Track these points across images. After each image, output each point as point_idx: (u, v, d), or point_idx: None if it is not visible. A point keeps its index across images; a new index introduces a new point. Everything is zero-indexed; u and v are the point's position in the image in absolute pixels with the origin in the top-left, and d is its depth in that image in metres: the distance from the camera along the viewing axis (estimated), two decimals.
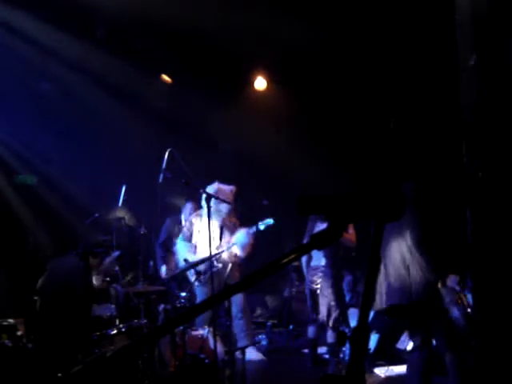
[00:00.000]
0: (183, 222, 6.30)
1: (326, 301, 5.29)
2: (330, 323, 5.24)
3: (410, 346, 5.11)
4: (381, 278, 3.84)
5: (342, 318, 5.27)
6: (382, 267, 3.84)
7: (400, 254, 3.72)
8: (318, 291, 5.38)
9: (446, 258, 3.73)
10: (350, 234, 5.32)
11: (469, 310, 3.95)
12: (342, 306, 5.29)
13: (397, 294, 3.70)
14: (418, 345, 3.88)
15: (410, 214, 3.74)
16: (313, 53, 6.66)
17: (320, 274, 5.39)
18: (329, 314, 5.25)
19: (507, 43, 2.79)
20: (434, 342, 3.89)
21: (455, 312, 3.86)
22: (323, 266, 5.38)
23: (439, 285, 3.77)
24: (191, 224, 5.56)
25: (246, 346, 4.53)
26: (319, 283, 5.38)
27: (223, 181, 5.56)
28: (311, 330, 5.58)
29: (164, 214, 6.61)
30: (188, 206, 6.43)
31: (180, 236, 5.57)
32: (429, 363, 3.81)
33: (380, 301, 3.81)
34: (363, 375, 0.96)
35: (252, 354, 5.42)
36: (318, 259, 5.42)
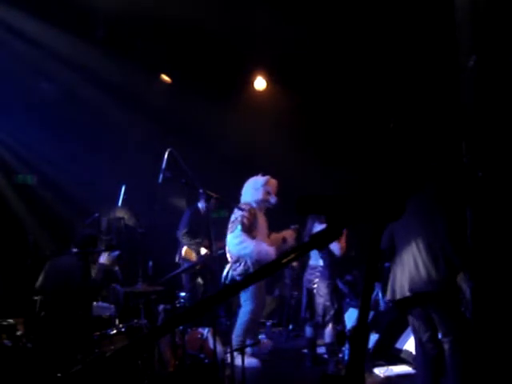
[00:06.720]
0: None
1: (321, 300, 5.31)
2: (325, 323, 5.28)
3: (410, 344, 5.12)
4: (400, 272, 3.90)
5: (337, 319, 5.29)
6: (400, 261, 3.91)
7: (425, 249, 3.79)
8: (315, 291, 5.40)
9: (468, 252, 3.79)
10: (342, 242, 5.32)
11: None
12: (337, 306, 5.30)
13: (422, 283, 3.76)
14: (425, 341, 3.90)
15: (434, 211, 3.86)
16: (313, 53, 6.66)
17: (317, 274, 5.40)
18: (324, 314, 5.28)
19: (507, 43, 2.79)
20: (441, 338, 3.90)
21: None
22: (321, 266, 5.39)
23: (459, 278, 3.86)
24: (253, 215, 5.42)
25: (246, 346, 4.53)
26: (316, 283, 5.39)
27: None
28: (309, 330, 5.59)
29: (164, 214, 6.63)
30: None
31: (239, 227, 5.34)
32: (438, 362, 3.84)
33: (400, 292, 3.87)
34: (363, 375, 0.96)
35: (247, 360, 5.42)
36: (316, 259, 5.44)
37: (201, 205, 6.54)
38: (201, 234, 6.41)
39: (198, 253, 6.44)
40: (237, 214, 5.44)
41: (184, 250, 6.52)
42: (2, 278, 6.37)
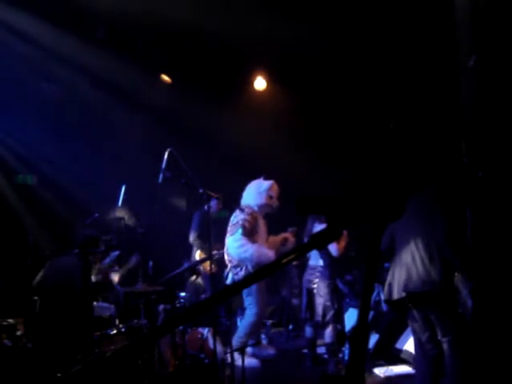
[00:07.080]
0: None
1: (321, 301, 5.32)
2: (325, 323, 5.29)
3: (410, 344, 5.12)
4: (398, 271, 3.91)
5: (337, 319, 5.30)
6: (399, 261, 3.92)
7: (424, 248, 3.81)
8: (315, 291, 5.40)
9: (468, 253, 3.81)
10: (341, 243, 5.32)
11: None
12: (337, 306, 5.30)
13: (419, 282, 3.78)
14: (425, 341, 3.91)
15: (434, 211, 3.89)
16: (313, 53, 6.66)
17: (317, 274, 5.41)
18: (324, 314, 5.29)
19: (507, 43, 2.79)
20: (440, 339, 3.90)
21: (470, 303, 3.92)
22: (321, 266, 5.39)
23: (456, 278, 3.87)
24: (254, 219, 5.39)
25: (246, 346, 4.52)
26: (316, 283, 5.40)
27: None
28: (308, 330, 5.59)
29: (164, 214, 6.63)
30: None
31: (240, 230, 5.30)
32: (437, 362, 3.84)
33: (398, 291, 3.88)
34: (363, 375, 0.96)
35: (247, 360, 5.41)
36: (316, 259, 5.44)
37: (207, 207, 6.50)
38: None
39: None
40: (238, 217, 5.40)
41: (198, 253, 6.51)
42: (2, 278, 6.37)
